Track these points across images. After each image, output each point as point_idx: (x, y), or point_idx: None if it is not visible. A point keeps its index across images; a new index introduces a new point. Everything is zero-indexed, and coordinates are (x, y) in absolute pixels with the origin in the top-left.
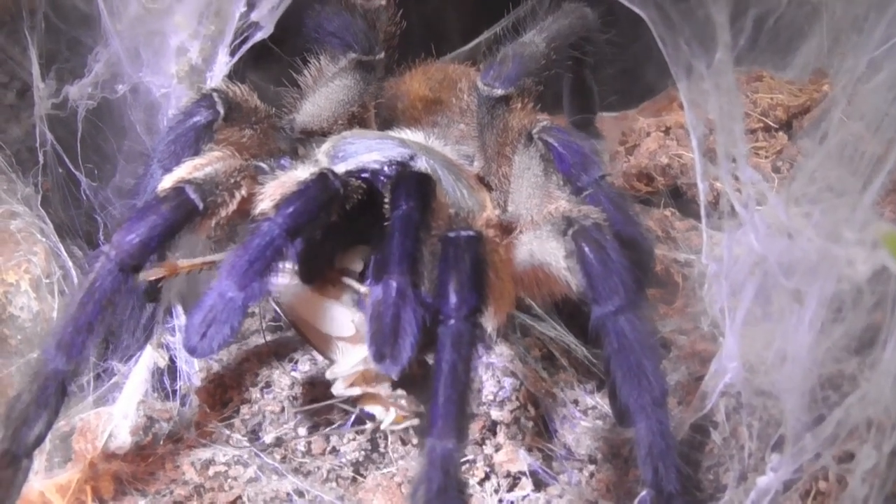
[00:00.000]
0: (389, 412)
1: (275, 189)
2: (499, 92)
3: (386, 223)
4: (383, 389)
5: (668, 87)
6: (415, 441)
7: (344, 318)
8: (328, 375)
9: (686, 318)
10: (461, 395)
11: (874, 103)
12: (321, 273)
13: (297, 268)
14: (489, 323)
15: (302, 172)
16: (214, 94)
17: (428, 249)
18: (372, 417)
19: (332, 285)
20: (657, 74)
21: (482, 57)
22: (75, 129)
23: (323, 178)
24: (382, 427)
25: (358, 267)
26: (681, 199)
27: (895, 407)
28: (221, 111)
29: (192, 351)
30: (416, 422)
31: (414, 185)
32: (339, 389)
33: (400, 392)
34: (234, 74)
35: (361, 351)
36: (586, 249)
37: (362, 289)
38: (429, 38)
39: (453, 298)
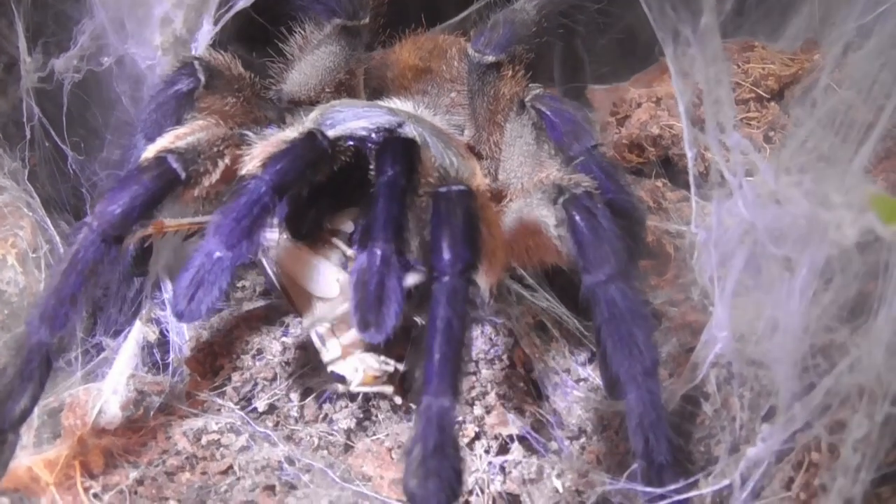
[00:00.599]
0: (357, 373)
1: (262, 149)
2: (490, 58)
3: (371, 192)
4: (352, 348)
5: (659, 58)
6: (404, 408)
7: (330, 278)
8: (304, 324)
9: (677, 288)
10: (456, 353)
11: (864, 70)
12: (312, 232)
13: (285, 225)
14: (482, 281)
15: (291, 132)
16: (195, 62)
17: (413, 215)
18: (342, 379)
19: (322, 245)
20: (649, 46)
21: (472, 28)
22: (62, 103)
23: (311, 136)
24: (352, 389)
25: (348, 228)
26: (672, 169)
27: (887, 375)
28: (202, 79)
29: (180, 315)
30: (388, 388)
31: (399, 150)
32: (316, 336)
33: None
34: (219, 46)
35: (341, 307)
36: (577, 217)
37: (349, 251)
38: (420, 9)
39: (447, 254)
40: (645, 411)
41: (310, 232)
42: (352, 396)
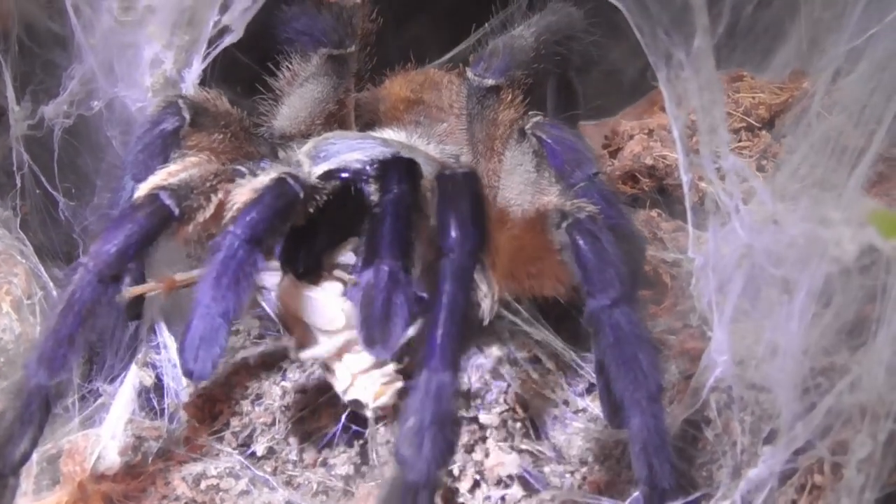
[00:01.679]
0: (368, 391)
1: (238, 197)
2: (489, 82)
3: (376, 211)
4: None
5: (648, 91)
6: None
7: (334, 309)
8: (303, 356)
9: (675, 316)
10: (459, 328)
11: (854, 95)
12: (311, 268)
13: (283, 263)
14: (489, 282)
15: (263, 178)
16: (179, 101)
17: (418, 236)
18: (359, 404)
19: (323, 278)
20: (635, 82)
21: (455, 69)
22: (52, 149)
23: (280, 183)
24: (372, 408)
25: (349, 259)
26: (667, 199)
27: (888, 394)
28: (187, 117)
29: (189, 374)
30: (398, 384)
31: (404, 170)
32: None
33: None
34: (204, 86)
35: (342, 335)
36: (580, 241)
37: (347, 277)
38: (403, 53)
39: (455, 233)
40: (649, 436)
41: (309, 268)
42: (349, 441)
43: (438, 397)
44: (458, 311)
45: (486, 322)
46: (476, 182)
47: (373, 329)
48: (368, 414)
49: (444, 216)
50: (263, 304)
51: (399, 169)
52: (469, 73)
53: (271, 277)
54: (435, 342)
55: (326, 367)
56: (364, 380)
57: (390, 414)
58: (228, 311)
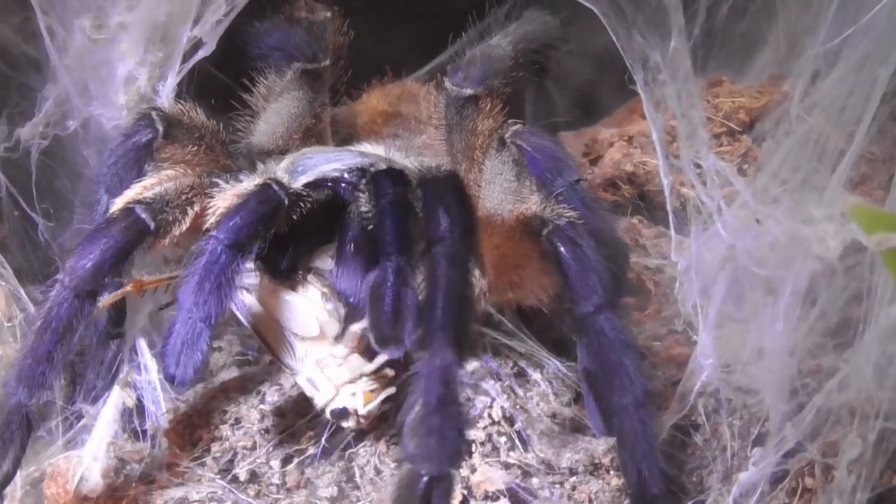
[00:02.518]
0: (357, 397)
1: (220, 202)
2: (467, 92)
3: (371, 218)
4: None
5: (626, 101)
6: (393, 456)
7: (309, 316)
8: (293, 365)
9: (659, 322)
10: (460, 308)
11: (832, 97)
12: (289, 271)
13: (259, 268)
14: (480, 271)
15: (247, 184)
16: (153, 113)
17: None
18: (345, 413)
19: (300, 283)
20: (613, 92)
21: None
22: (29, 171)
23: (265, 188)
24: (361, 414)
25: (327, 265)
26: (648, 206)
27: (878, 394)
28: (161, 129)
29: (171, 380)
30: (391, 391)
31: (396, 175)
32: (306, 381)
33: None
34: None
35: (324, 349)
36: (562, 249)
37: (325, 289)
38: (378, 66)
39: (444, 221)
40: (637, 442)
41: (287, 271)
42: (332, 462)
43: (444, 380)
44: (457, 292)
45: (481, 307)
46: (458, 180)
47: (384, 328)
48: (351, 424)
49: (432, 209)
50: (234, 308)
51: (391, 176)
52: (447, 84)
53: (248, 279)
54: (436, 323)
55: (309, 381)
56: (350, 388)
57: (374, 426)
58: (210, 317)
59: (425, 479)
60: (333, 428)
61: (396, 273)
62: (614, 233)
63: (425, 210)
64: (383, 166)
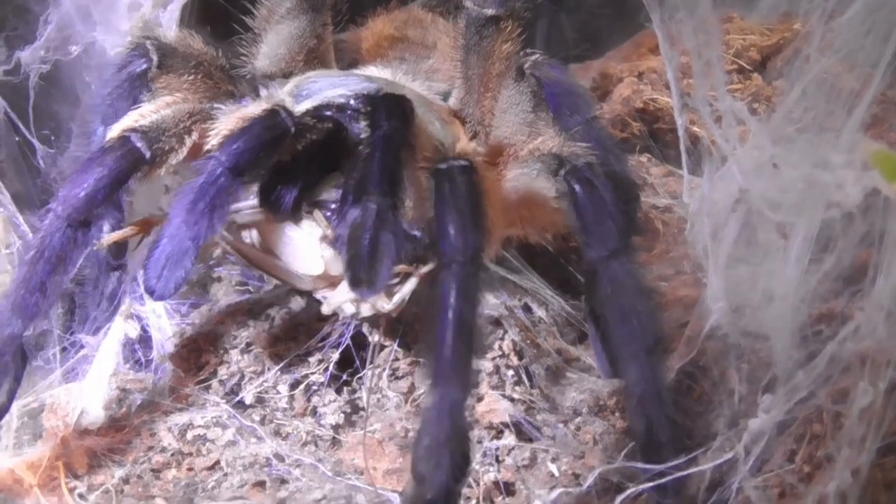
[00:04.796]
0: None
1: (223, 124)
2: (489, 12)
3: (364, 149)
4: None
5: (630, 36)
6: (395, 389)
7: (313, 255)
8: (325, 310)
9: (667, 263)
10: (467, 342)
11: (847, 38)
12: (293, 205)
13: (262, 203)
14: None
15: (254, 108)
16: (147, 42)
17: (409, 174)
18: (376, 318)
19: (303, 219)
20: (616, 25)
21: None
22: (28, 96)
23: (272, 114)
24: (390, 309)
25: (332, 196)
26: (657, 144)
27: (889, 341)
28: (155, 59)
29: (151, 292)
30: (412, 280)
31: (394, 105)
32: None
33: None
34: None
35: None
36: (579, 191)
37: (328, 231)
38: None
39: (456, 240)
40: (646, 389)
41: (291, 207)
42: (338, 389)
43: (452, 417)
44: (465, 326)
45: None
46: (473, 175)
47: (359, 269)
48: (374, 338)
49: (443, 219)
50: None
51: (389, 104)
52: (468, 2)
53: (250, 214)
54: (445, 360)
55: (326, 298)
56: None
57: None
58: (199, 237)
59: (431, 501)
60: (341, 353)
61: (377, 215)
62: (627, 173)
63: (436, 207)
64: (393, 93)
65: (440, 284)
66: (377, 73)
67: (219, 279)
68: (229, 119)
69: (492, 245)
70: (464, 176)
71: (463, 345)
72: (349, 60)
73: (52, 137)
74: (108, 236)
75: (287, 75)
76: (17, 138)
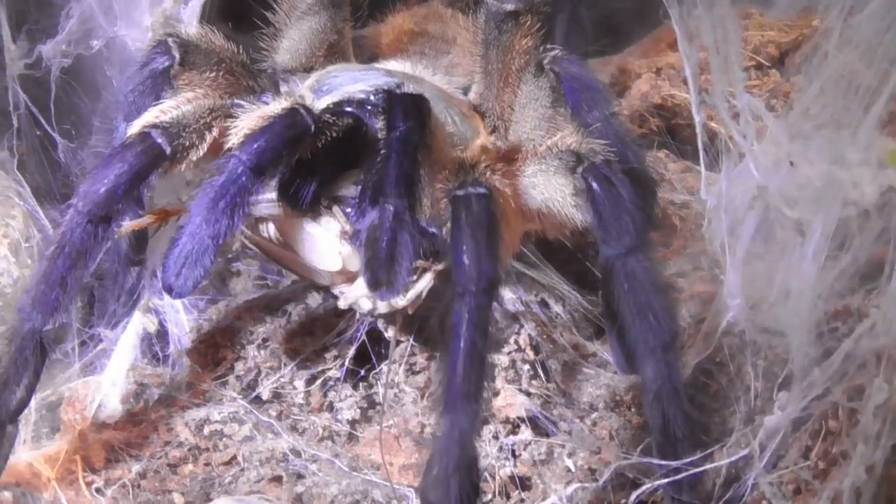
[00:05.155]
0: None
1: (244, 123)
2: (509, 7)
3: (381, 150)
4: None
5: (650, 31)
6: (411, 384)
7: (331, 251)
8: (342, 305)
9: (685, 259)
10: (479, 373)
11: (866, 34)
12: (311, 201)
13: (281, 198)
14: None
15: (274, 106)
16: (169, 39)
17: (426, 172)
18: (392, 315)
19: (322, 215)
20: (636, 20)
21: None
22: (49, 89)
23: (292, 113)
24: (405, 305)
25: (351, 192)
26: (675, 140)
27: None
28: (177, 56)
29: (169, 290)
30: (428, 274)
31: (410, 105)
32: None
33: None
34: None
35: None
36: (596, 188)
37: (347, 226)
38: None
39: (471, 271)
40: (663, 385)
41: (309, 203)
42: (355, 384)
43: (461, 443)
44: (478, 355)
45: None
46: (491, 203)
47: (378, 270)
48: (389, 333)
49: (459, 249)
50: (243, 239)
51: (405, 105)
52: None
53: (269, 209)
54: (456, 389)
55: (343, 294)
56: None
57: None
58: (219, 235)
59: None
60: (357, 348)
61: (395, 217)
62: (645, 170)
63: (453, 234)
64: (409, 89)
65: (453, 313)
66: (398, 68)
67: (237, 273)
68: (250, 117)
69: (508, 255)
70: (481, 205)
71: (474, 374)
72: (369, 55)
73: (73, 132)
74: (126, 225)
75: (308, 70)
76: (37, 132)
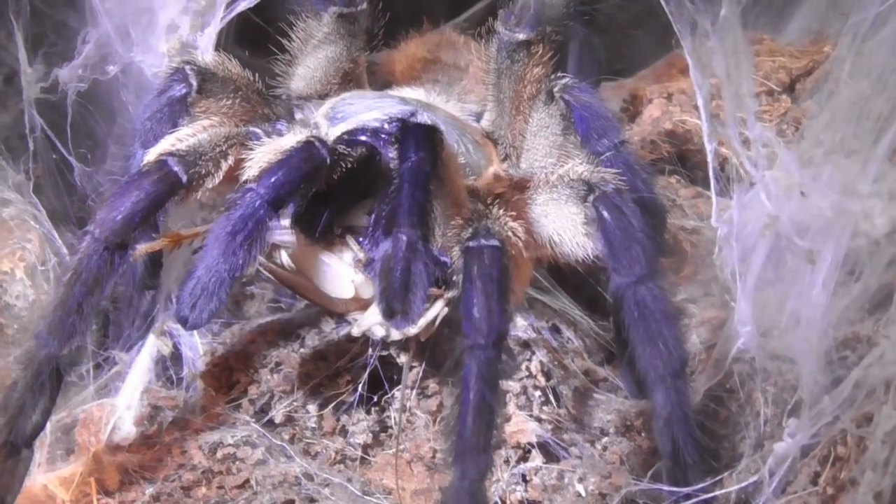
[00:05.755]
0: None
1: (260, 156)
2: (520, 36)
3: (394, 179)
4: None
5: (664, 55)
6: (423, 408)
7: (344, 278)
8: (355, 332)
9: (696, 285)
10: (489, 424)
11: (878, 61)
12: (325, 230)
13: (295, 226)
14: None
15: (289, 139)
16: (186, 67)
17: (439, 203)
18: (405, 342)
19: (335, 243)
20: (650, 44)
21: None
22: (66, 113)
23: (308, 146)
24: (417, 332)
25: (363, 222)
26: (686, 165)
27: None
28: (194, 83)
29: (184, 322)
30: (442, 306)
31: (422, 136)
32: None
33: None
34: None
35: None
36: (607, 217)
37: (360, 254)
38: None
39: (481, 325)
40: (673, 412)
41: (323, 231)
42: (368, 409)
43: (471, 493)
44: (487, 408)
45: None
46: (503, 256)
47: (392, 300)
48: (402, 359)
49: (469, 302)
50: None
51: (417, 136)
52: (499, 27)
53: (284, 236)
54: (466, 443)
55: (357, 321)
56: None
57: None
58: (236, 269)
59: None
60: (369, 373)
61: (408, 247)
62: (656, 198)
63: (463, 286)
64: (422, 117)
65: (463, 366)
66: (412, 95)
67: (251, 297)
68: (266, 150)
69: (518, 295)
70: (493, 258)
71: (483, 426)
72: (382, 82)
73: (89, 155)
74: (140, 248)
75: (323, 96)
76: (54, 156)
